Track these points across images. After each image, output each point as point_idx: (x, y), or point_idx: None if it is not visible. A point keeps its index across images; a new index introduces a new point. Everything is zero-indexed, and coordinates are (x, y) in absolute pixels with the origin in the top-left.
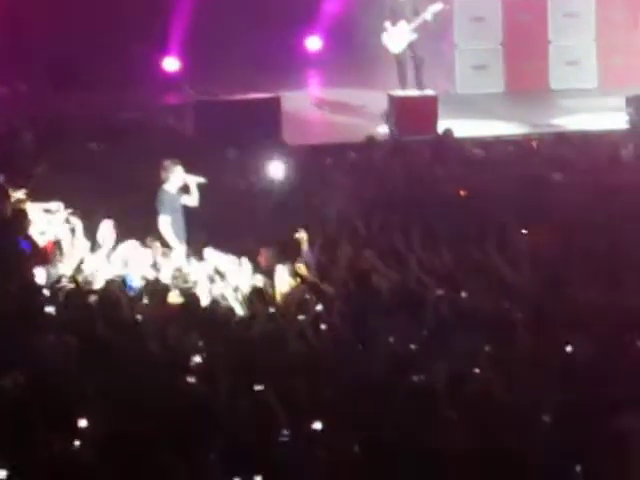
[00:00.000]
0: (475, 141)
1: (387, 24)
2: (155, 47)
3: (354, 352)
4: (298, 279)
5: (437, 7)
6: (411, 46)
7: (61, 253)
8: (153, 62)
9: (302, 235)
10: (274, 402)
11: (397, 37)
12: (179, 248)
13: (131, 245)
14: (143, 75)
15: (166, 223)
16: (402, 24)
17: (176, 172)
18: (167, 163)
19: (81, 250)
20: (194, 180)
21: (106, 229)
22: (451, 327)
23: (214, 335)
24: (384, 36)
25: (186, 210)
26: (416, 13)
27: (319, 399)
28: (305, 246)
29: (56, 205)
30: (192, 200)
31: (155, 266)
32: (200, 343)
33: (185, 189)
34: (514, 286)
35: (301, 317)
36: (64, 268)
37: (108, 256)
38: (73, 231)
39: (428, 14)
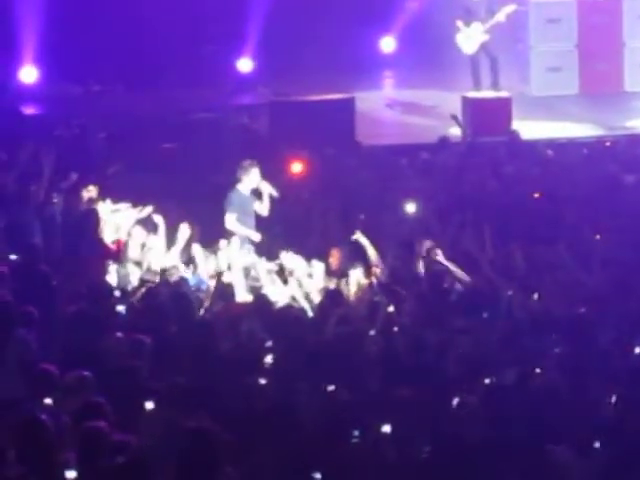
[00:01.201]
0: (548, 142)
1: (460, 24)
2: (230, 47)
3: (427, 354)
4: (369, 280)
5: (510, 8)
6: (484, 46)
7: (131, 252)
8: (228, 62)
9: (362, 237)
10: (347, 402)
11: (470, 37)
12: (250, 242)
13: (199, 247)
14: (217, 75)
15: (233, 220)
16: (475, 24)
17: (252, 174)
18: (246, 164)
19: (158, 249)
20: (268, 189)
21: (182, 230)
22: (524, 329)
23: (286, 335)
24: (458, 36)
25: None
26: (491, 14)
27: (391, 400)
28: (370, 248)
29: (130, 206)
30: (262, 208)
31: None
32: (270, 343)
33: (258, 194)
34: (587, 288)
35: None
36: (134, 267)
37: (181, 257)
38: (155, 229)
39: (502, 15)
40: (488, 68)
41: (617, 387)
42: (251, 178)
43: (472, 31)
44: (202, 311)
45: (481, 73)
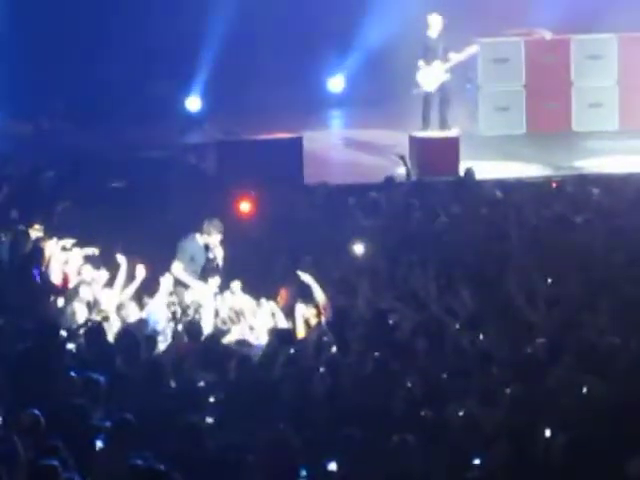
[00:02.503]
0: (496, 182)
1: (421, 62)
2: (178, 85)
3: (374, 392)
4: (317, 319)
5: (473, 49)
6: (443, 86)
7: (80, 290)
8: (176, 100)
9: (307, 277)
10: (292, 440)
11: (432, 76)
12: (198, 287)
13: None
14: (166, 113)
15: (179, 268)
16: (437, 63)
17: (216, 234)
18: (217, 222)
19: (108, 288)
20: (219, 251)
21: (138, 270)
22: (472, 365)
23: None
24: (418, 74)
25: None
26: (446, 53)
27: (338, 437)
28: (316, 288)
29: (76, 244)
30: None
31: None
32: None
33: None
34: (534, 328)
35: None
36: (82, 306)
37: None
38: (109, 272)
39: (463, 55)
40: (437, 108)
41: (567, 426)
42: (214, 235)
43: (433, 69)
44: (158, 349)
45: (431, 112)
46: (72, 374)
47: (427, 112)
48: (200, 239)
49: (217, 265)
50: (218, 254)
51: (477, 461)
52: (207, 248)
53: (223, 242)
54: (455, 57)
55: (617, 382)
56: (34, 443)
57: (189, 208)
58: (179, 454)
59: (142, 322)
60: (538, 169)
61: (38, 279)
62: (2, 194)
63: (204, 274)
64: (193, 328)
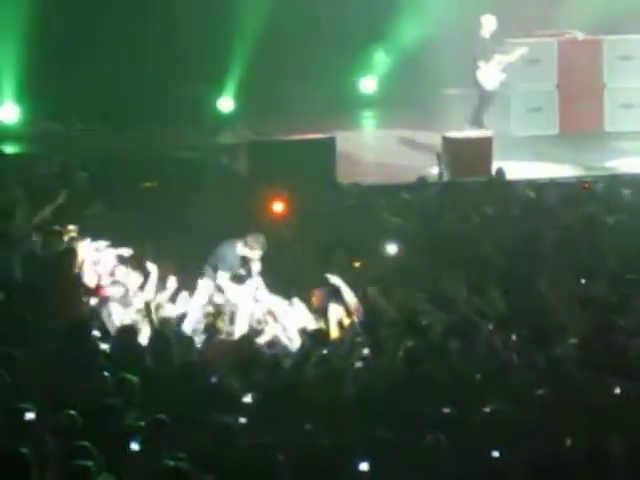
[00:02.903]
0: (528, 183)
1: (481, 62)
2: (211, 86)
3: (406, 393)
4: (350, 320)
5: (523, 50)
6: (501, 85)
7: (114, 292)
8: (209, 101)
9: (336, 279)
10: (323, 441)
11: (491, 75)
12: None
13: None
14: (199, 114)
15: (225, 279)
16: (493, 63)
17: (257, 249)
18: (261, 238)
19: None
20: (256, 266)
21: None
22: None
23: (264, 376)
24: (479, 73)
25: None
26: (494, 54)
27: (369, 439)
28: (345, 289)
29: (110, 245)
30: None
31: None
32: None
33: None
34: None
35: (356, 359)
36: (118, 307)
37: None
38: (142, 273)
39: (514, 56)
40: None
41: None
42: (255, 251)
43: (491, 69)
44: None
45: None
46: (105, 374)
47: (483, 111)
48: (241, 249)
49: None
50: (254, 269)
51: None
52: (244, 260)
53: (263, 259)
54: (508, 57)
55: None
56: (67, 444)
57: (222, 209)
58: (211, 454)
59: (177, 323)
60: (570, 169)
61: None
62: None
63: (237, 280)
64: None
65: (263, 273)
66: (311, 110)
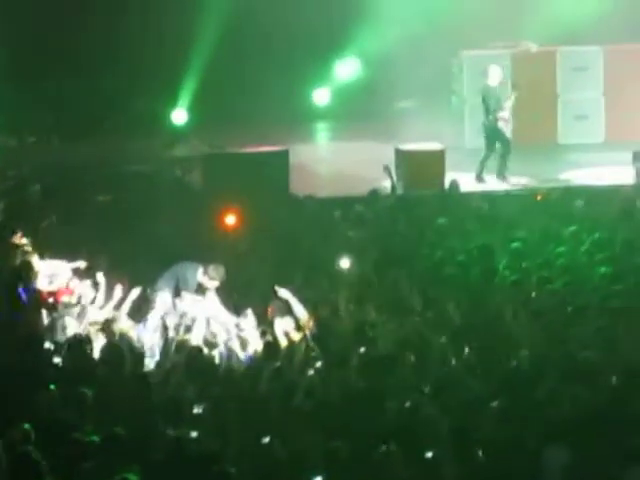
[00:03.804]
0: (482, 195)
1: (500, 114)
2: (164, 99)
3: (363, 405)
4: (301, 333)
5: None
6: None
7: (68, 304)
8: (162, 113)
9: (286, 293)
10: (282, 455)
11: (508, 123)
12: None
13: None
14: (152, 127)
15: (190, 299)
16: (503, 112)
17: (216, 281)
18: (221, 270)
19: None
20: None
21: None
22: (458, 377)
23: (217, 387)
24: (500, 125)
25: None
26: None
27: (326, 453)
28: (295, 303)
29: (82, 264)
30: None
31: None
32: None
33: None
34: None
35: (309, 372)
36: (71, 320)
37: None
38: (96, 287)
39: (510, 102)
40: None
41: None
42: (213, 282)
43: (506, 117)
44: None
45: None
46: (56, 388)
47: (508, 160)
48: (200, 276)
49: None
50: (209, 297)
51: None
52: (201, 287)
53: (219, 290)
54: (508, 104)
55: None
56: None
57: (175, 221)
58: (164, 468)
59: (130, 336)
60: (524, 181)
61: (24, 295)
62: None
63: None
64: (181, 343)
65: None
66: (265, 122)
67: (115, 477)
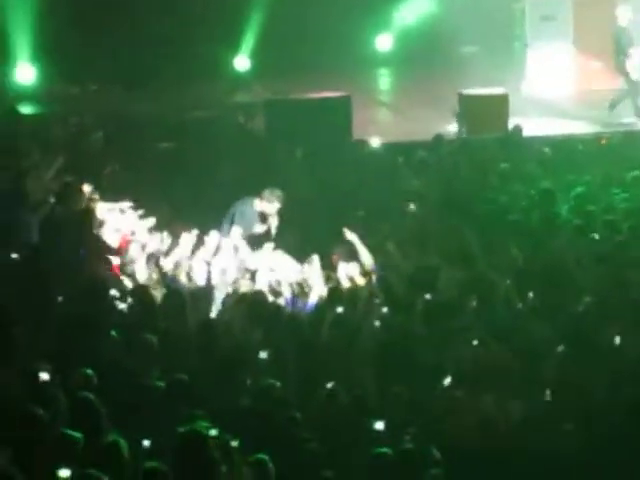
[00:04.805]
0: (544, 139)
1: (631, 50)
2: (226, 45)
3: (423, 350)
4: (366, 279)
5: None
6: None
7: (133, 252)
8: (224, 60)
9: (353, 237)
10: (344, 401)
11: (637, 64)
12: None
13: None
14: (214, 73)
15: (237, 235)
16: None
17: (275, 203)
18: (278, 192)
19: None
20: (275, 220)
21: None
22: (525, 318)
23: (281, 333)
24: (628, 63)
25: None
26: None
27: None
28: (362, 248)
29: (128, 204)
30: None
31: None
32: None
33: (263, 217)
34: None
35: (372, 318)
36: (137, 267)
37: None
38: (160, 234)
39: None
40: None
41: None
42: (273, 204)
43: (636, 58)
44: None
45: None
46: (120, 334)
47: (623, 98)
48: (258, 205)
49: (270, 233)
50: (273, 223)
51: None
52: (263, 215)
53: (280, 212)
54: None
55: None
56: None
57: (238, 167)
58: (230, 413)
59: (195, 283)
60: (587, 125)
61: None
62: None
63: (258, 240)
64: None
65: (281, 232)
66: (327, 69)
67: (184, 423)
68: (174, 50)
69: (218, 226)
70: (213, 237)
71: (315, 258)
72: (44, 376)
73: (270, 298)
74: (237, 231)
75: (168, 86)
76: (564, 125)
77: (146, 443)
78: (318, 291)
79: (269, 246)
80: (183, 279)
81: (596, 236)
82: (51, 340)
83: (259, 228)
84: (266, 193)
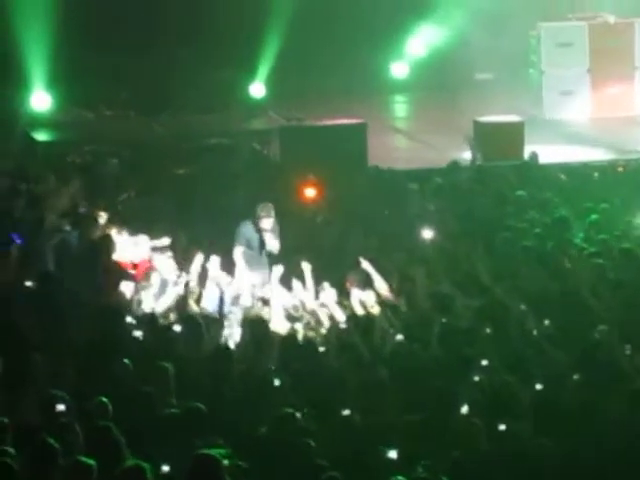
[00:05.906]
0: (561, 167)
1: None
2: (242, 72)
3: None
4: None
5: None
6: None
7: (150, 279)
8: (240, 87)
9: (367, 265)
10: (359, 428)
11: None
12: (246, 278)
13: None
14: (230, 100)
15: (238, 253)
16: None
17: (266, 218)
18: (265, 205)
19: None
20: (277, 230)
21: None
22: (536, 347)
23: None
24: None
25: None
26: None
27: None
28: (376, 276)
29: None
30: (272, 246)
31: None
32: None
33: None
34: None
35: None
36: (151, 294)
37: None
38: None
39: None
40: None
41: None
42: (265, 220)
43: None
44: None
45: None
46: (136, 361)
47: None
48: (252, 224)
49: (271, 250)
50: (268, 238)
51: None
52: (259, 232)
53: (274, 226)
54: None
55: None
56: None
57: (254, 194)
58: (245, 439)
59: (209, 310)
60: (603, 153)
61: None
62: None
63: (269, 260)
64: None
65: (292, 258)
66: (343, 96)
67: (202, 450)
68: (190, 77)
69: (232, 252)
70: (225, 263)
71: (326, 285)
72: (60, 406)
73: (287, 324)
74: (240, 252)
75: (184, 113)
76: (580, 152)
77: (165, 468)
78: (336, 317)
79: (279, 269)
80: (197, 305)
81: (612, 263)
82: (67, 367)
83: (256, 244)
84: (258, 209)
